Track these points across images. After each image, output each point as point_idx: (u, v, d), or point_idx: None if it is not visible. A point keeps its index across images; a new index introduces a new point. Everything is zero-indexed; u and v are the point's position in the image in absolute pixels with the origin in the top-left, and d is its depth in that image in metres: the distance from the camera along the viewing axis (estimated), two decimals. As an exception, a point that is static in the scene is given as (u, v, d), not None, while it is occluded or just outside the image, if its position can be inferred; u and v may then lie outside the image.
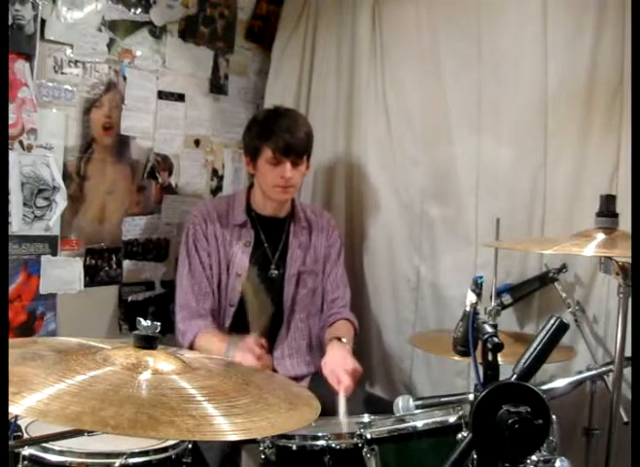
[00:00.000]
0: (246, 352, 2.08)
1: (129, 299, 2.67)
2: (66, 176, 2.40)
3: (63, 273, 2.42)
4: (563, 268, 2.42)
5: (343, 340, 2.36)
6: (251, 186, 2.59)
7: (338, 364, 2.19)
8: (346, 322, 2.55)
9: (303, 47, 3.01)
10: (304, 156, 2.46)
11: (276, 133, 2.39)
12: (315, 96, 3.00)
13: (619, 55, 2.35)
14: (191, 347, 2.35)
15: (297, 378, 2.46)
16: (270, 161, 2.40)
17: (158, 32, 2.66)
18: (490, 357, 1.32)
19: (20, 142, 2.25)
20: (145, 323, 1.31)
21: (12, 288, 2.25)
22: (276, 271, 2.52)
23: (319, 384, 2.21)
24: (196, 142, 2.87)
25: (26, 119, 2.25)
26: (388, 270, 2.86)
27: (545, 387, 1.88)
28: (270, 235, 2.53)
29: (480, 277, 1.50)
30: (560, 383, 1.96)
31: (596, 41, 2.39)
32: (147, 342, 1.30)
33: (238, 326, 2.40)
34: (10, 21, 2.15)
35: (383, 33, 2.83)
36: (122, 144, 2.58)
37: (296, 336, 2.55)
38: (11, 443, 1.47)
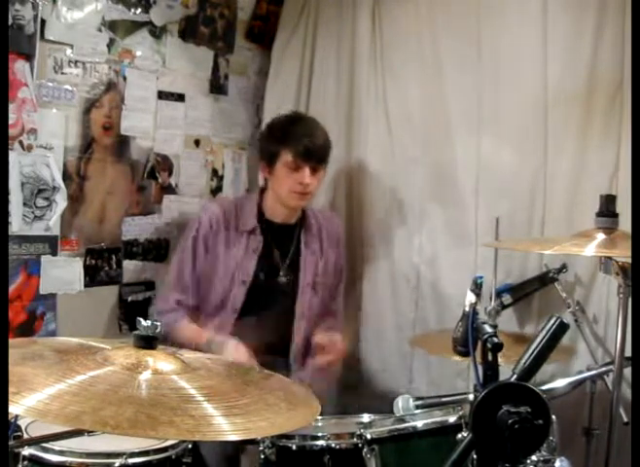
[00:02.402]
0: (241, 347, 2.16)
1: (129, 299, 2.66)
2: (66, 176, 2.40)
3: (63, 273, 2.42)
4: (563, 268, 2.42)
5: None
6: (261, 191, 2.55)
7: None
8: None
9: (303, 47, 3.01)
10: (323, 163, 2.44)
11: (297, 138, 2.36)
12: (315, 96, 3.00)
13: (619, 55, 2.35)
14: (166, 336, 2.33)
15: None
16: (289, 166, 2.37)
17: (158, 32, 2.66)
18: (490, 357, 1.32)
19: (20, 142, 2.25)
20: (145, 323, 1.30)
21: (12, 288, 2.25)
22: (285, 278, 2.49)
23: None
24: (196, 142, 2.87)
25: (26, 119, 2.25)
26: (388, 270, 2.86)
27: (545, 387, 1.88)
28: (280, 242, 2.50)
29: (480, 277, 1.50)
30: (560, 383, 1.96)
31: (596, 41, 2.39)
32: (147, 342, 1.30)
33: (240, 332, 2.39)
34: (10, 21, 2.15)
35: (383, 33, 2.83)
36: (122, 144, 2.58)
37: (304, 343, 2.53)
38: (11, 443, 1.47)
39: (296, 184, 2.38)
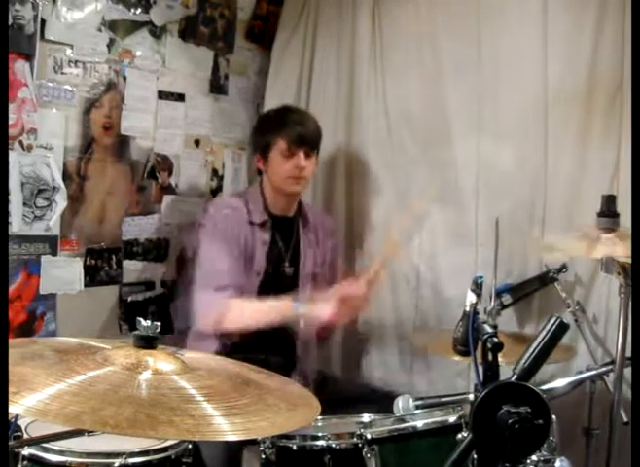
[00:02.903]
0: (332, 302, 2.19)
1: (129, 299, 2.66)
2: (66, 176, 2.40)
3: (63, 273, 2.42)
4: (563, 268, 2.42)
5: None
6: (259, 184, 2.59)
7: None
8: None
9: (303, 47, 3.01)
10: (315, 149, 2.53)
11: (289, 125, 2.47)
12: (315, 96, 3.00)
13: (619, 55, 2.35)
14: (219, 320, 2.29)
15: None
16: (284, 153, 2.45)
17: (158, 32, 2.66)
18: (490, 357, 1.32)
19: (20, 142, 2.25)
20: (145, 323, 1.30)
21: (12, 288, 2.25)
22: (290, 269, 2.55)
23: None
24: (196, 142, 2.87)
25: (26, 119, 2.25)
26: (388, 271, 2.85)
27: (545, 387, 1.88)
28: (283, 234, 2.56)
29: (480, 277, 1.49)
30: (560, 383, 1.96)
31: (596, 41, 2.39)
32: (147, 342, 1.30)
33: None
34: (10, 21, 2.15)
35: (383, 33, 2.83)
36: (122, 144, 2.58)
37: (307, 332, 2.55)
38: (11, 443, 1.47)
39: (292, 169, 2.45)
